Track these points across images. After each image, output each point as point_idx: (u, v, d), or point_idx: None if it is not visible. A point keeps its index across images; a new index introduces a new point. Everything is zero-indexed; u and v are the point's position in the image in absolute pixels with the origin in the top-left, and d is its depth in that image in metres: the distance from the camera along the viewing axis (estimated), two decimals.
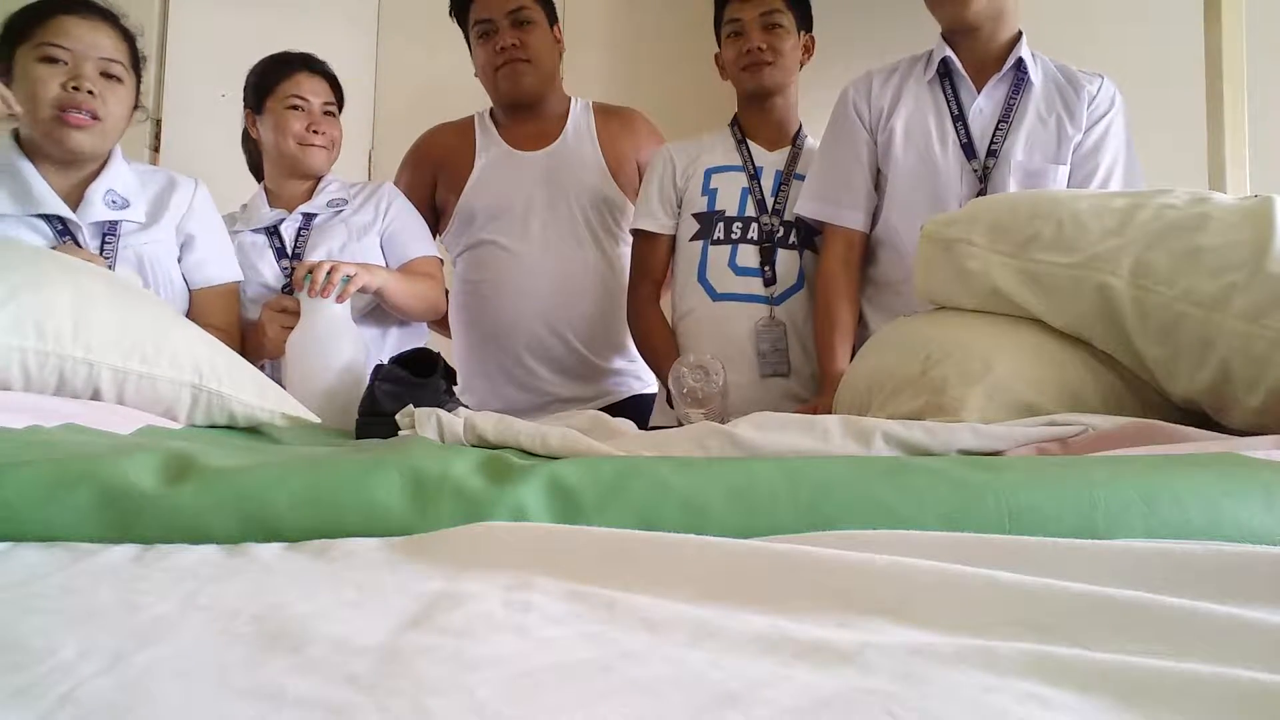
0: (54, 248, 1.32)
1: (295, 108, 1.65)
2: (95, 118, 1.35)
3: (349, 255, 1.62)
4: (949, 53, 1.57)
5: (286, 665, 0.35)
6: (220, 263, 1.55)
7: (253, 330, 1.57)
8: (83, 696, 0.32)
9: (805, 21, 1.75)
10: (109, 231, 1.40)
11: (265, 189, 1.73)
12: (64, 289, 1.03)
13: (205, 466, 0.62)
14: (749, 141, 1.76)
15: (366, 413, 1.21)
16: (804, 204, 1.64)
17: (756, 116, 1.76)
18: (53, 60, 1.33)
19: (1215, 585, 0.43)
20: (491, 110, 1.93)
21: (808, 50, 1.76)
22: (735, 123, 1.79)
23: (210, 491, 0.59)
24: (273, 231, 1.66)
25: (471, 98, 1.94)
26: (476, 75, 1.89)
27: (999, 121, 1.54)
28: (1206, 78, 2.07)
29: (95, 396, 1.02)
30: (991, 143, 1.54)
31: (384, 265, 1.67)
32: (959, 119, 1.56)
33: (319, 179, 1.72)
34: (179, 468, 0.62)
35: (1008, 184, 1.49)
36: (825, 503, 0.59)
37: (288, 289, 1.61)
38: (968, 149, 1.55)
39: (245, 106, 1.70)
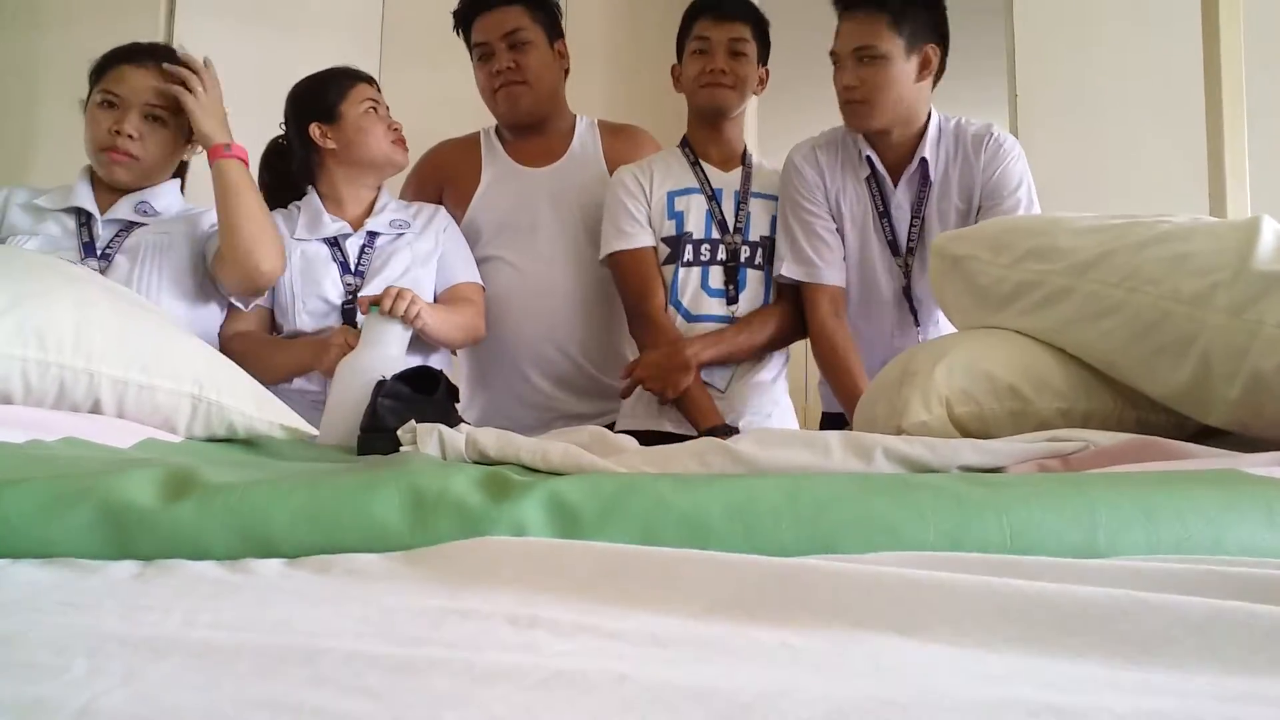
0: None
1: (373, 111, 1.70)
2: (133, 156, 1.52)
3: (411, 280, 1.64)
4: (869, 150, 1.64)
5: (300, 678, 0.35)
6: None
7: (305, 344, 1.58)
8: (100, 710, 0.32)
9: (765, 55, 1.78)
10: (124, 229, 1.54)
11: (321, 195, 1.72)
12: (65, 298, 1.03)
13: (205, 483, 0.62)
14: (702, 162, 1.78)
15: (368, 428, 1.21)
16: (784, 269, 1.69)
17: (708, 135, 1.79)
18: (109, 105, 1.52)
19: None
20: (497, 126, 1.94)
21: (762, 82, 1.80)
22: (685, 144, 1.81)
23: (210, 508, 0.58)
24: (334, 244, 1.67)
25: (476, 115, 1.95)
26: (481, 94, 1.90)
27: (913, 218, 1.65)
28: (1205, 83, 2.09)
29: (95, 407, 1.02)
30: (909, 240, 1.65)
31: (433, 290, 1.70)
32: (884, 215, 1.66)
33: (377, 195, 1.74)
34: (179, 484, 0.62)
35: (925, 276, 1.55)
36: (826, 520, 0.59)
37: (349, 304, 1.62)
38: (892, 245, 1.66)
39: (307, 121, 1.69)
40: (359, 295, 1.59)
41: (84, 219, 1.53)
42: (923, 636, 0.40)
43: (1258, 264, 0.93)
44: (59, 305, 1.02)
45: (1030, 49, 2.48)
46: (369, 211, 1.72)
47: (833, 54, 1.61)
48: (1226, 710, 0.32)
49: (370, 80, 1.76)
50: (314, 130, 1.69)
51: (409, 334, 1.44)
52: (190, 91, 1.51)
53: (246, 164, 1.55)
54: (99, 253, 1.50)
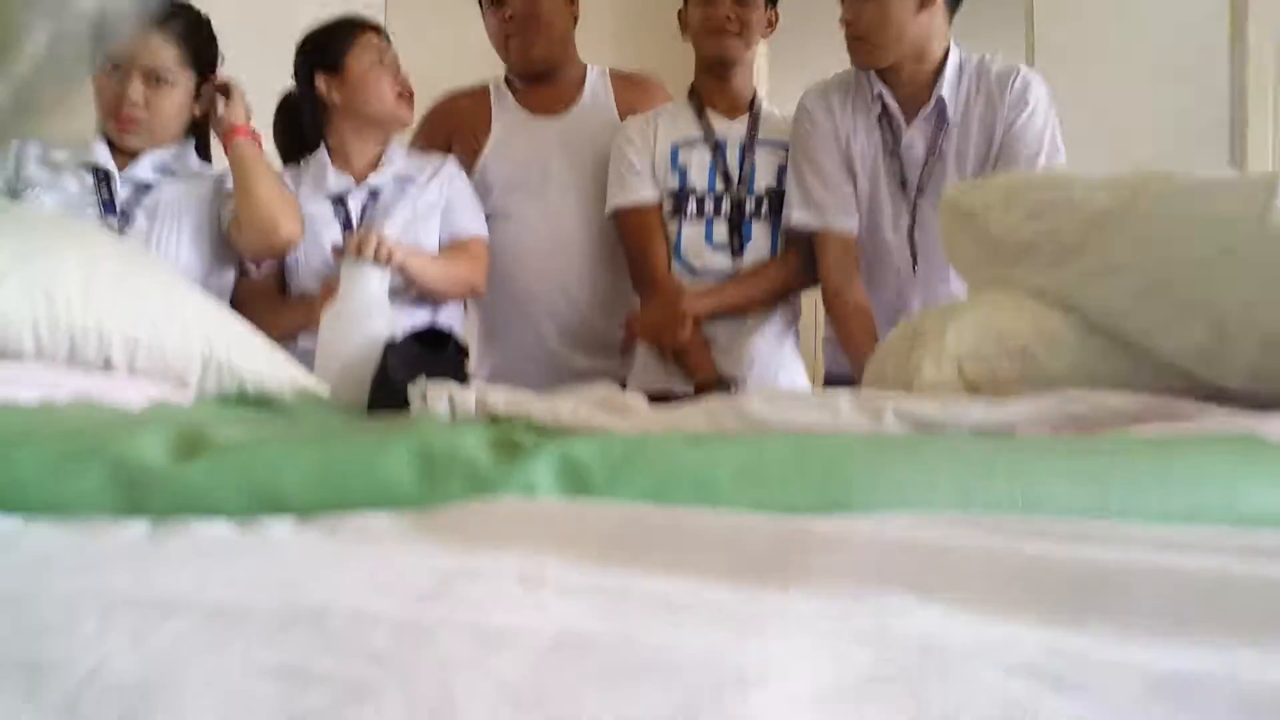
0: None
1: (380, 63, 1.66)
2: (137, 120, 1.52)
3: (411, 234, 1.62)
4: (881, 88, 1.59)
5: (307, 641, 0.35)
6: None
7: (300, 303, 1.58)
8: (111, 671, 0.32)
9: None
10: (142, 188, 1.53)
11: (329, 149, 1.70)
12: (72, 255, 1.03)
13: (216, 442, 0.62)
14: (708, 111, 1.75)
15: (378, 387, 1.21)
16: (793, 216, 1.65)
17: (715, 84, 1.76)
18: (112, 70, 1.51)
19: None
20: (507, 76, 1.90)
21: (771, 25, 1.75)
22: (693, 93, 1.78)
23: (221, 467, 0.59)
24: (338, 201, 1.66)
25: (484, 66, 1.92)
26: (491, 41, 1.86)
27: (928, 156, 1.59)
28: (1230, 30, 2.03)
29: (106, 364, 1.02)
30: (920, 179, 1.59)
31: (437, 243, 1.67)
32: (894, 154, 1.61)
33: (385, 144, 1.71)
34: (190, 443, 0.62)
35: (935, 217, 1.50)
36: (836, 479, 0.59)
37: None
38: (904, 185, 1.61)
39: (312, 69, 1.66)
40: (332, 246, 1.57)
41: (102, 176, 1.52)
42: (931, 599, 0.40)
43: (1276, 222, 0.91)
44: (66, 263, 1.01)
45: (1049, 6, 2.41)
46: (375, 166, 1.70)
47: None
48: (1237, 676, 0.32)
49: (378, 29, 1.71)
50: (319, 82, 1.66)
51: (387, 276, 1.41)
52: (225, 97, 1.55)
53: (260, 142, 1.57)
54: (118, 210, 1.50)
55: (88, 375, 0.99)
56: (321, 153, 1.70)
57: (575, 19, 1.87)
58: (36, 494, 0.56)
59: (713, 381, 1.58)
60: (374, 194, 1.67)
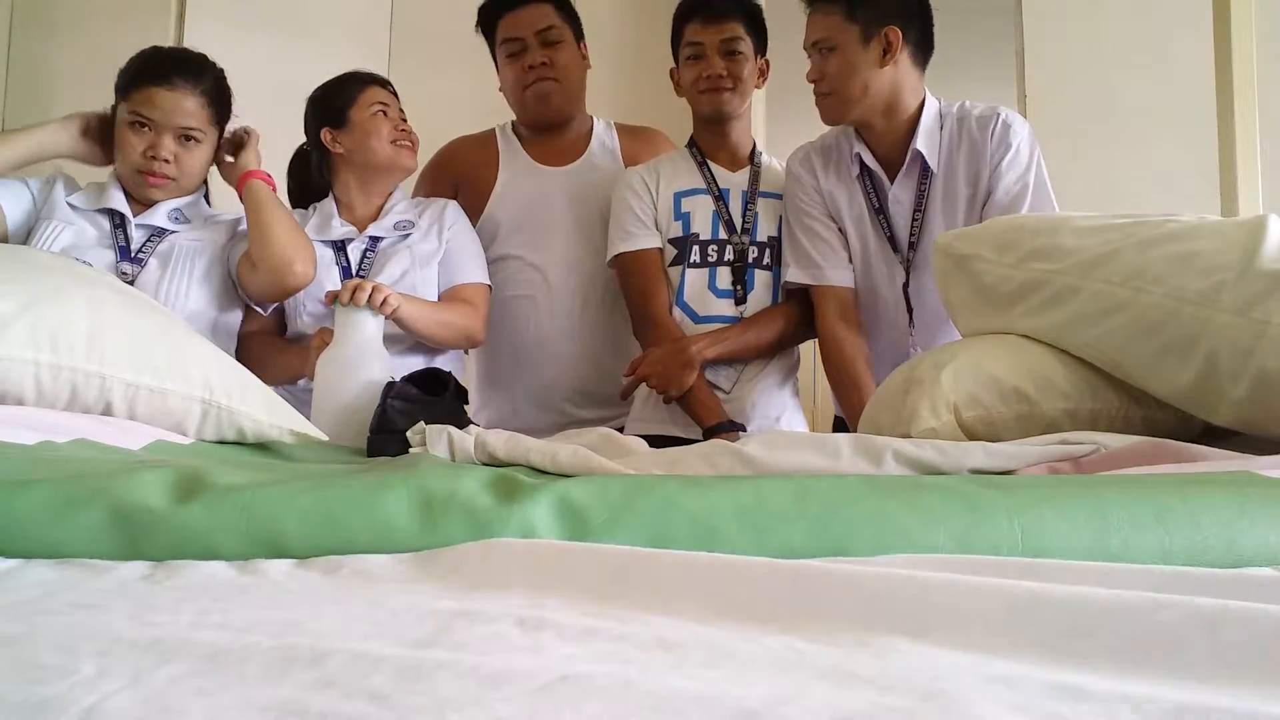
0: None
1: (381, 114, 1.70)
2: (169, 178, 1.55)
3: (408, 283, 1.63)
4: (861, 149, 1.60)
5: (306, 681, 0.35)
6: None
7: (297, 347, 1.59)
8: (108, 711, 0.32)
9: (762, 45, 1.76)
10: (155, 234, 1.56)
11: (336, 199, 1.73)
12: (79, 301, 1.04)
13: (215, 484, 0.62)
14: (709, 163, 1.77)
15: (378, 430, 1.21)
16: (789, 274, 1.68)
17: (714, 139, 1.78)
18: (140, 125, 1.53)
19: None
20: (514, 124, 1.93)
21: (763, 74, 1.78)
22: (693, 144, 1.80)
23: (220, 509, 0.59)
24: (339, 247, 1.68)
25: (483, 116, 1.95)
26: (501, 91, 1.89)
27: (914, 211, 1.59)
28: (1216, 82, 2.07)
29: (107, 410, 1.03)
30: (911, 234, 1.59)
31: (437, 291, 1.68)
32: (880, 212, 1.62)
33: (389, 196, 1.74)
34: (189, 485, 0.62)
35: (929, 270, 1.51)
36: (836, 522, 0.58)
37: None
38: (892, 241, 1.62)
39: (320, 126, 1.71)
40: (327, 292, 1.58)
41: (118, 220, 1.54)
42: (931, 640, 0.40)
43: (1264, 262, 0.93)
44: (72, 308, 1.02)
45: (1040, 49, 2.46)
46: (378, 215, 1.72)
47: (804, 48, 1.60)
48: (1237, 711, 0.32)
49: (384, 83, 1.75)
50: (325, 135, 1.70)
51: (381, 322, 1.42)
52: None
53: (274, 187, 1.60)
54: (133, 255, 1.52)
55: (88, 418, 0.99)
56: (328, 201, 1.73)
57: (586, 70, 1.90)
58: (36, 535, 0.56)
59: (724, 428, 1.58)
60: (374, 241, 1.69)
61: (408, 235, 1.70)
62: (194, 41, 2.60)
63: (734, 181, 1.77)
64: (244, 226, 1.56)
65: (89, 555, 0.56)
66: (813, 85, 1.58)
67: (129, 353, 1.04)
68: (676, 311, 1.72)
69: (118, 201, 1.55)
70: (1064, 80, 2.45)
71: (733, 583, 0.49)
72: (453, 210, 1.77)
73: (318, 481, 0.64)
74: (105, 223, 1.54)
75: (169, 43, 2.54)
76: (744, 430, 1.61)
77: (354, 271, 1.66)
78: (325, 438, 1.17)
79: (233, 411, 1.09)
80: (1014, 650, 0.39)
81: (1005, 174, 1.54)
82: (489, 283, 1.76)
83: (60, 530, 0.56)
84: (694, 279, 1.72)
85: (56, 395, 0.99)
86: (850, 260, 1.66)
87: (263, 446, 1.14)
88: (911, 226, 1.60)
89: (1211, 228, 1.03)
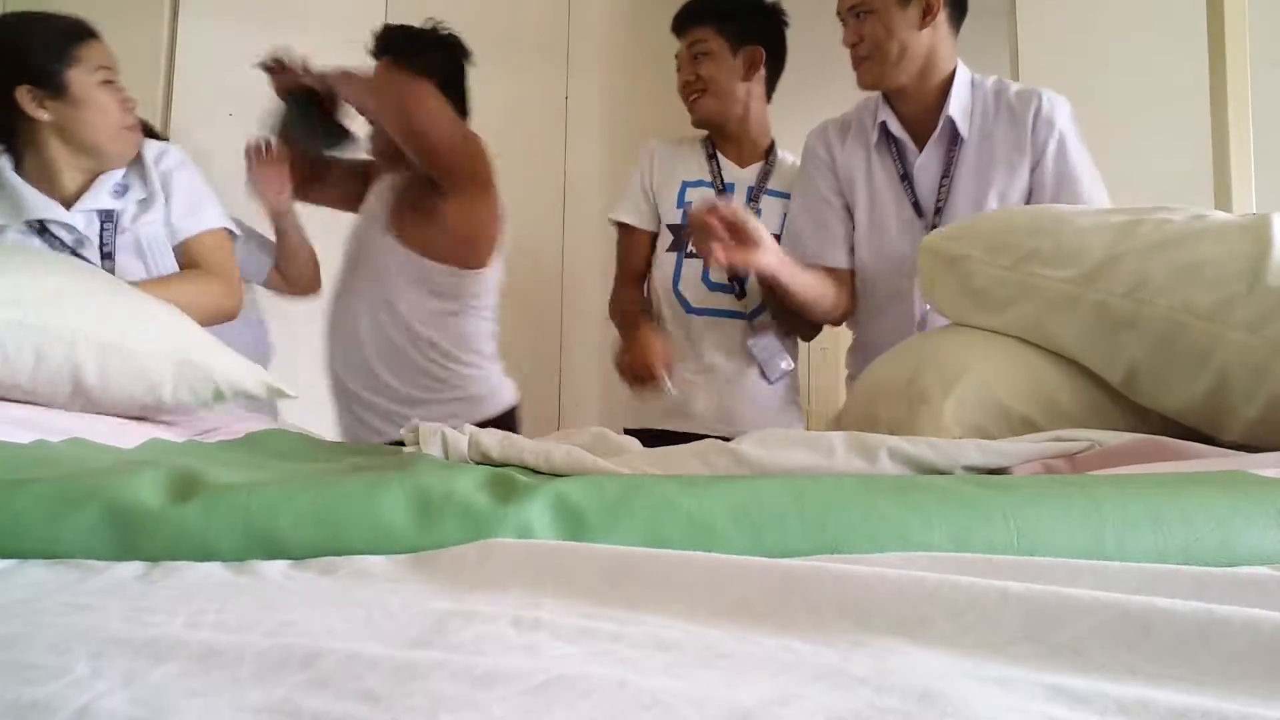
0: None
1: (109, 84, 1.50)
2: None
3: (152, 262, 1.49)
4: (887, 116, 1.59)
5: (300, 681, 0.35)
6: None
7: None
8: (99, 712, 0.32)
9: (743, 37, 1.73)
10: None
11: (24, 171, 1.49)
12: (41, 270, 1.04)
13: (211, 483, 0.62)
14: (720, 156, 1.78)
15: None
16: (787, 250, 1.65)
17: (722, 137, 1.79)
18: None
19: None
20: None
21: (752, 64, 1.74)
22: (709, 137, 1.82)
23: (216, 509, 0.58)
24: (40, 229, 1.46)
25: (476, 117, 1.95)
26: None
27: (942, 178, 1.57)
28: (1210, 81, 2.07)
29: (76, 375, 1.00)
30: (937, 200, 1.57)
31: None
32: (906, 178, 1.59)
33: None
34: (185, 485, 0.62)
35: None
36: (831, 521, 0.58)
37: None
38: (917, 207, 1.58)
39: (14, 81, 1.42)
40: None
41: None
42: (928, 640, 0.40)
43: (1273, 277, 0.91)
44: (43, 280, 1.02)
45: (1033, 48, 2.47)
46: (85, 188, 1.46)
47: (838, 15, 1.58)
48: (1233, 714, 0.32)
49: (100, 38, 1.46)
50: (24, 95, 1.39)
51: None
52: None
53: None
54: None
55: (82, 417, 0.99)
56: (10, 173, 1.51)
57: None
58: (31, 535, 0.56)
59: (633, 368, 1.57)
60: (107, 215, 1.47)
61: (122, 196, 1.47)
62: (187, 39, 2.59)
63: (741, 177, 1.77)
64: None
65: (84, 555, 0.55)
66: (850, 49, 1.56)
67: (96, 315, 1.02)
68: (671, 299, 1.73)
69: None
70: (1056, 78, 2.45)
71: (729, 582, 0.49)
72: (168, 155, 1.53)
73: (314, 481, 0.64)
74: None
75: (161, 40, 2.53)
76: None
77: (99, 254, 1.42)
78: (295, 395, 1.19)
79: (207, 367, 1.09)
80: (1011, 651, 0.39)
81: (1062, 165, 1.49)
82: (230, 225, 1.52)
83: (55, 530, 0.56)
84: (689, 269, 1.73)
85: (22, 360, 0.96)
86: (856, 233, 1.62)
87: (255, 445, 1.14)
88: (939, 192, 1.56)
89: (1214, 231, 1.01)
